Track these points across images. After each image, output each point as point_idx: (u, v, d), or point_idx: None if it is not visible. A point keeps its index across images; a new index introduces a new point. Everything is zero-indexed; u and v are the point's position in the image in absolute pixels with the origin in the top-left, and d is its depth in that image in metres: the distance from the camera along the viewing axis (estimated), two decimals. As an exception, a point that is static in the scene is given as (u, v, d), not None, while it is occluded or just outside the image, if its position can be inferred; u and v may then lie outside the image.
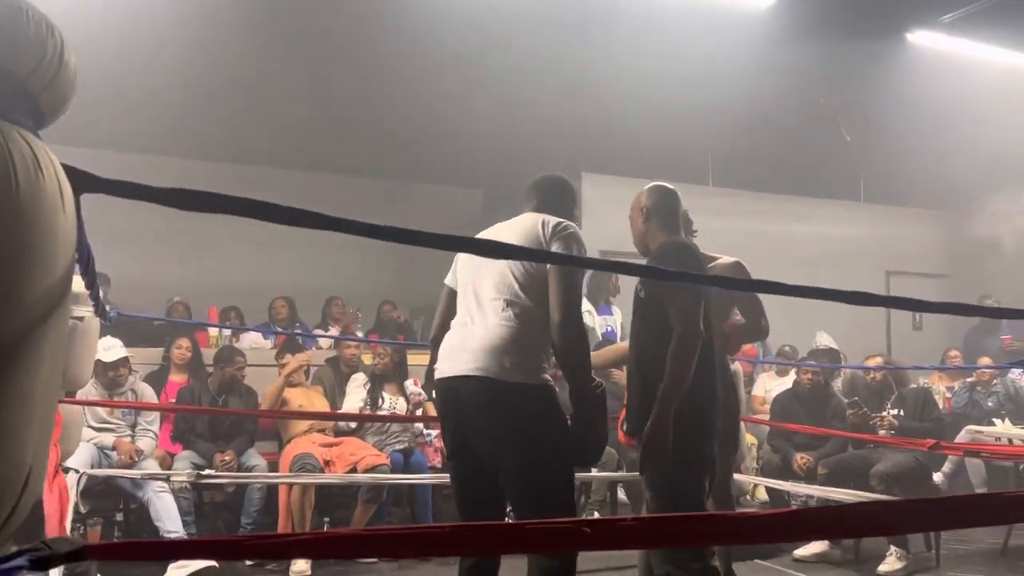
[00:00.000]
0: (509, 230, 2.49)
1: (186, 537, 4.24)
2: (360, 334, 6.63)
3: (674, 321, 2.71)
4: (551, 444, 2.32)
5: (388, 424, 5.10)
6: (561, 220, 2.47)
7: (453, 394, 2.37)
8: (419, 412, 5.28)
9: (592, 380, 2.37)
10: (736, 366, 5.02)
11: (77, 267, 1.61)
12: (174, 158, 7.70)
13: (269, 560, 4.21)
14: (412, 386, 5.38)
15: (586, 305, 5.63)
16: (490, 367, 2.30)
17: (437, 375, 2.45)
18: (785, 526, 1.50)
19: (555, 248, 2.37)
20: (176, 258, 7.81)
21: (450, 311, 2.56)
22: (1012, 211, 9.33)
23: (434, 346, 2.57)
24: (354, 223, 1.18)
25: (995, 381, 6.32)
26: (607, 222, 5.13)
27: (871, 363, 5.22)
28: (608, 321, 5.97)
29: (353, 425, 5.15)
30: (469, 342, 2.37)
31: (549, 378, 2.41)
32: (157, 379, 5.27)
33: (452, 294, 2.58)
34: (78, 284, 2.40)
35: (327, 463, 4.73)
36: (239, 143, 7.85)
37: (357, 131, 7.57)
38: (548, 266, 2.36)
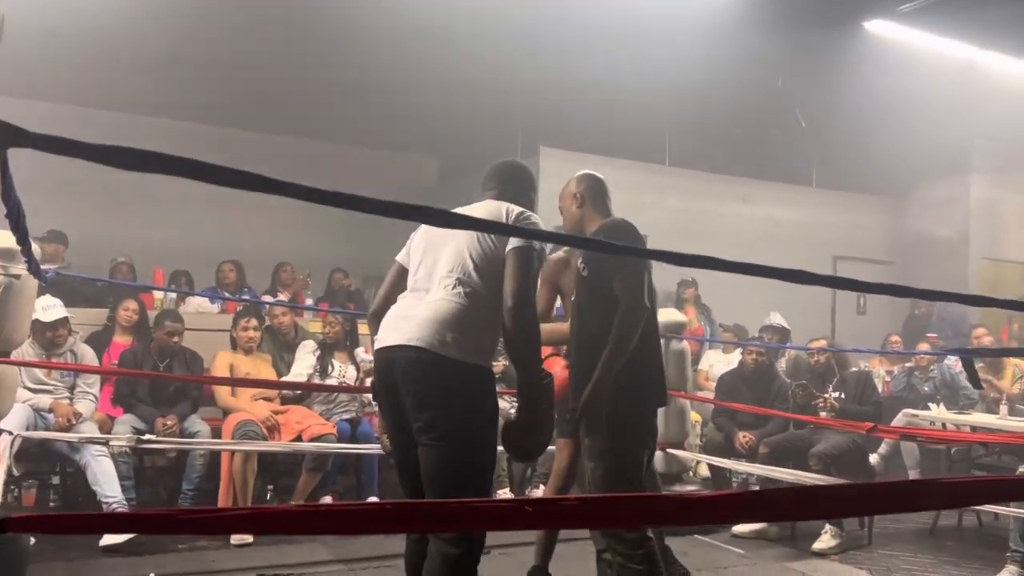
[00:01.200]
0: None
1: (123, 502, 4.16)
2: (310, 301, 6.54)
3: (620, 295, 2.76)
4: (476, 427, 2.26)
5: (336, 393, 5.05)
6: (524, 210, 2.42)
7: (389, 365, 2.30)
8: (370, 381, 5.22)
9: (542, 371, 2.28)
10: (684, 344, 5.10)
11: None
12: (121, 113, 7.49)
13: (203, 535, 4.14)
14: (364, 354, 5.32)
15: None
16: (430, 340, 2.23)
17: (376, 345, 2.40)
18: (725, 508, 1.52)
19: (514, 238, 2.30)
20: (123, 217, 7.61)
21: (395, 287, 2.51)
22: (952, 199, 9.56)
23: (373, 320, 2.51)
24: (297, 187, 1.12)
25: (932, 367, 6.51)
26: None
27: (814, 346, 5.32)
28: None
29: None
30: (412, 313, 2.32)
31: (490, 363, 2.35)
32: (100, 340, 5.13)
33: (401, 271, 2.52)
34: (11, 240, 2.31)
35: (271, 429, 4.67)
36: (186, 102, 7.65)
37: (308, 93, 7.43)
38: (506, 252, 2.29)
